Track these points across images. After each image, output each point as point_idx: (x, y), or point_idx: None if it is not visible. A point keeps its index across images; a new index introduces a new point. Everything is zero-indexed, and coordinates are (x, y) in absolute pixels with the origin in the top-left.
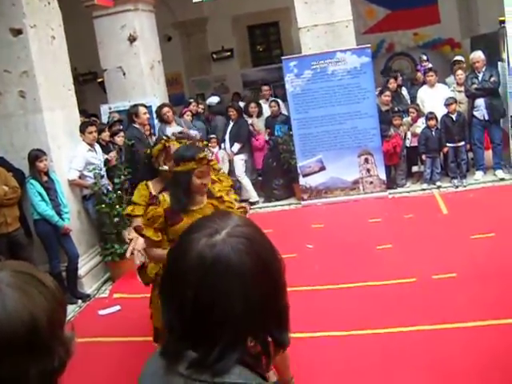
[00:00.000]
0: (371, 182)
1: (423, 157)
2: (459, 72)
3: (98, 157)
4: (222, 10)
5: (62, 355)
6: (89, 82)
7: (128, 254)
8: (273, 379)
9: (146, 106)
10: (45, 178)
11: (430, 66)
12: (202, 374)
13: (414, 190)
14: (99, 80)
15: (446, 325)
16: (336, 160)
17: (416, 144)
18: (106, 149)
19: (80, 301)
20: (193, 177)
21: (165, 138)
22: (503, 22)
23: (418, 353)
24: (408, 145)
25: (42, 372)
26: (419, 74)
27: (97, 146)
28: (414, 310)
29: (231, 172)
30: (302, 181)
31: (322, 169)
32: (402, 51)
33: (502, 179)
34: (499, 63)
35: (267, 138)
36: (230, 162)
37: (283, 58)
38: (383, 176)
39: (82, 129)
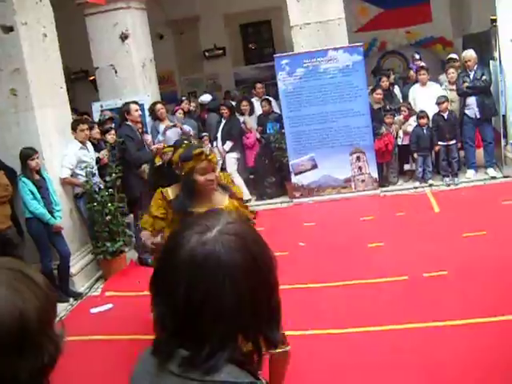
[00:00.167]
0: (363, 180)
1: (415, 155)
2: (451, 70)
3: (89, 155)
4: (214, 9)
5: (52, 352)
6: (80, 80)
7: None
8: None
9: (138, 104)
10: (36, 177)
11: (423, 64)
12: (192, 372)
13: (406, 188)
14: (91, 78)
15: (437, 323)
16: (328, 158)
17: (408, 142)
18: (97, 147)
19: (72, 299)
20: (195, 175)
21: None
22: (495, 21)
23: (410, 350)
24: (400, 143)
25: (31, 368)
26: (412, 73)
27: (88, 144)
28: (405, 307)
29: (223, 170)
30: (294, 179)
31: (314, 167)
32: (394, 50)
33: (494, 177)
34: (491, 62)
35: (259, 136)
36: (223, 160)
37: (275, 56)
38: (375, 174)
39: (74, 126)
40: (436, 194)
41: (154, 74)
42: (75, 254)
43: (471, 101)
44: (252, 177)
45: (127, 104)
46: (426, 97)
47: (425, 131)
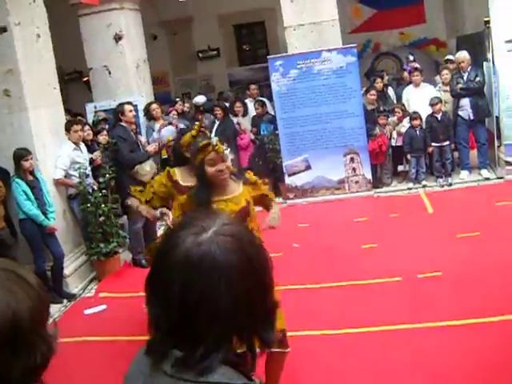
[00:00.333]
0: (357, 182)
1: (408, 156)
2: (445, 72)
3: (83, 156)
4: (207, 9)
5: (45, 352)
6: (74, 81)
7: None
8: None
9: (132, 104)
10: (30, 177)
11: (417, 65)
12: (186, 373)
13: (400, 189)
14: (85, 79)
15: (431, 323)
16: (322, 159)
17: (401, 143)
18: (90, 148)
19: (65, 300)
20: (205, 167)
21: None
22: (488, 22)
23: (404, 351)
24: (393, 144)
25: (24, 368)
26: (405, 74)
27: (82, 145)
28: (399, 308)
29: None
30: (288, 180)
31: (308, 168)
32: (387, 51)
33: (487, 178)
34: (484, 63)
35: (253, 137)
36: None
37: (269, 57)
38: (369, 175)
39: (68, 127)
40: (430, 194)
41: (147, 75)
42: (69, 255)
43: (465, 102)
44: None
45: (121, 105)
46: (420, 98)
47: (418, 132)
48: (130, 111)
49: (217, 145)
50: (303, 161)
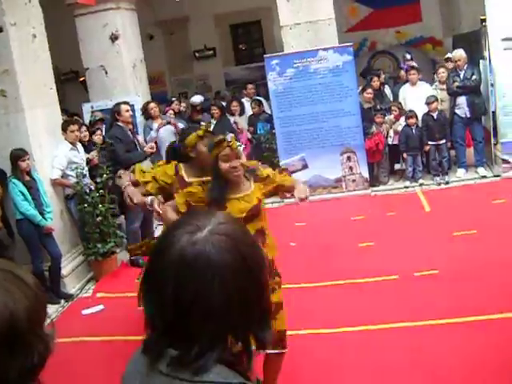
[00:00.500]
0: (354, 180)
1: (404, 155)
2: (441, 70)
3: (80, 156)
4: (204, 9)
5: (42, 351)
6: (70, 81)
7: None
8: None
9: (129, 104)
10: (27, 178)
11: (414, 64)
12: (181, 372)
13: (397, 187)
14: (81, 79)
15: (427, 321)
16: (318, 158)
17: (398, 142)
18: (87, 148)
19: (63, 301)
20: (219, 162)
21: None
22: (484, 20)
23: (401, 349)
24: (390, 142)
25: (21, 368)
26: (402, 72)
27: (79, 145)
28: (395, 307)
29: None
30: None
31: (305, 167)
32: (384, 49)
33: (484, 176)
34: (481, 61)
35: (250, 136)
36: None
37: (265, 56)
38: (366, 174)
39: (64, 127)
40: (426, 193)
41: (144, 75)
42: (66, 255)
43: (461, 100)
44: None
45: (118, 105)
46: (416, 96)
47: (414, 131)
48: (127, 111)
49: (231, 141)
50: (300, 160)
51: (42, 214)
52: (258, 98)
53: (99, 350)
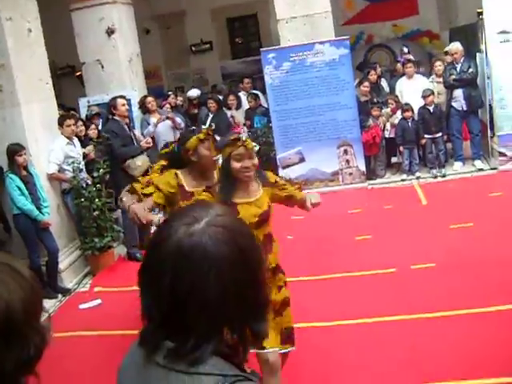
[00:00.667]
0: (351, 173)
1: (401, 148)
2: (438, 63)
3: (76, 150)
4: (200, 3)
5: (38, 343)
6: (67, 76)
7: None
8: None
9: (125, 98)
10: (24, 172)
11: (411, 57)
12: (178, 364)
13: (394, 180)
14: (77, 73)
15: (425, 314)
16: (315, 151)
17: (394, 135)
18: (83, 143)
19: (60, 295)
20: (231, 161)
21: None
22: (481, 13)
23: (397, 342)
24: (387, 136)
25: (17, 360)
26: (399, 65)
27: (75, 140)
28: (393, 300)
29: None
30: (282, 172)
31: (302, 160)
32: (380, 43)
33: (481, 169)
34: (477, 54)
35: (246, 130)
36: None
37: (262, 49)
38: (362, 167)
39: (61, 122)
40: (423, 186)
41: (140, 69)
42: (63, 249)
43: (458, 93)
44: None
45: (114, 99)
46: (413, 90)
47: (410, 124)
48: (123, 105)
49: (246, 140)
50: (297, 153)
51: (38, 208)
52: (255, 91)
53: (96, 344)
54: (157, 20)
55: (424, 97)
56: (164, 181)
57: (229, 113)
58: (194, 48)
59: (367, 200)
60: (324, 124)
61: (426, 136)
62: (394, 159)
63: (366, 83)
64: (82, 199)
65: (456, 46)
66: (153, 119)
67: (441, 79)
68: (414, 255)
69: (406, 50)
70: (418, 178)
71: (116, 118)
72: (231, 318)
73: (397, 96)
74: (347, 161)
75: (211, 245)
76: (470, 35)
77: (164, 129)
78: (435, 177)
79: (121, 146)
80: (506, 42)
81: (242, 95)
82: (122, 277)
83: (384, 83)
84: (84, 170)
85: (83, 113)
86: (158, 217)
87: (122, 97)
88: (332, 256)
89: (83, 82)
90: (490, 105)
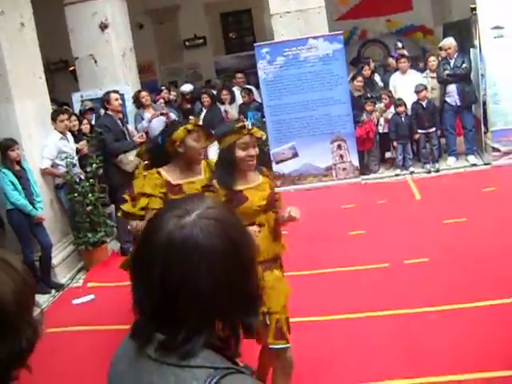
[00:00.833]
0: (344, 169)
1: (394, 143)
2: (431, 58)
3: (69, 145)
4: None
5: (30, 336)
6: (60, 71)
7: None
8: None
9: (118, 93)
10: (17, 167)
11: (405, 52)
12: (169, 357)
13: (387, 175)
14: (71, 68)
15: (418, 309)
16: (309, 146)
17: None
18: (76, 138)
19: (54, 290)
20: (236, 149)
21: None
22: (475, 9)
23: (390, 337)
24: (381, 131)
25: (9, 352)
26: (391, 60)
27: (68, 135)
28: (386, 294)
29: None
30: (275, 168)
31: (295, 155)
32: (374, 38)
33: (474, 165)
34: (471, 50)
35: None
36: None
37: (256, 44)
38: (356, 162)
39: (54, 117)
40: (417, 181)
41: (134, 64)
42: (56, 244)
43: (452, 88)
44: None
45: (107, 93)
46: (407, 85)
47: (403, 119)
48: (116, 100)
49: (252, 128)
50: (290, 148)
51: (32, 203)
52: (249, 86)
53: (90, 339)
54: (150, 15)
55: (417, 92)
56: (150, 184)
57: (222, 107)
58: (187, 43)
59: (361, 195)
60: (318, 119)
61: (419, 131)
62: (387, 154)
63: (360, 78)
64: (76, 194)
65: (449, 42)
66: (147, 114)
67: (434, 74)
68: (408, 250)
69: (400, 44)
70: (411, 173)
71: (109, 112)
72: (223, 311)
73: (390, 91)
74: (341, 156)
75: (202, 237)
76: (464, 30)
77: (158, 124)
78: (429, 172)
79: (113, 141)
80: (499, 38)
81: (236, 90)
82: (115, 272)
83: (377, 78)
84: (77, 164)
85: (76, 108)
86: None
87: (116, 91)
88: (325, 251)
89: (76, 76)
90: (483, 100)
